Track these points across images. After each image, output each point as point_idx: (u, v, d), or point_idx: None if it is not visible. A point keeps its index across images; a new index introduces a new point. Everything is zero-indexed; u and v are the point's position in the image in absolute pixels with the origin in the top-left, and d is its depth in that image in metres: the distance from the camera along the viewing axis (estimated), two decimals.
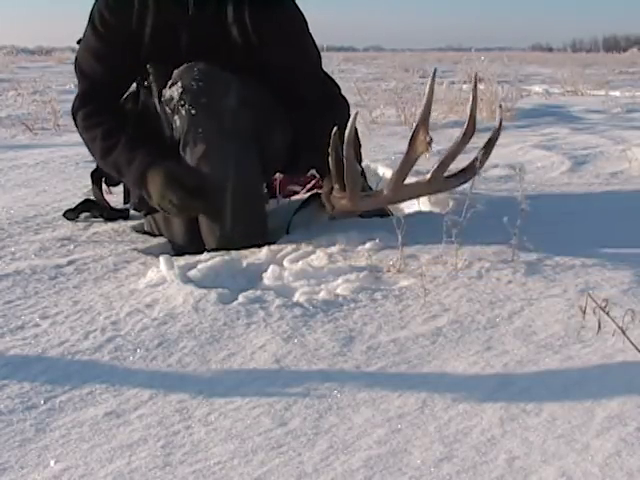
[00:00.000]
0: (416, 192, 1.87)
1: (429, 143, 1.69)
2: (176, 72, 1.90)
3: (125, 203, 2.30)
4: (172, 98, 1.89)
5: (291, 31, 2.06)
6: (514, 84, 5.75)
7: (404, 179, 1.78)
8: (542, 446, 1.03)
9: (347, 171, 1.73)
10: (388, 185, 1.80)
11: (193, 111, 1.86)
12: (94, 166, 2.32)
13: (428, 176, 1.78)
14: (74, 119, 2.09)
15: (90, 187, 2.40)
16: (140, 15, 2.01)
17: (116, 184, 2.32)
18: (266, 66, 2.02)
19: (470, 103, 1.76)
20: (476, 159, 1.79)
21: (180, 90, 1.87)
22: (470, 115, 1.75)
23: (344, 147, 1.69)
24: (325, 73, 2.19)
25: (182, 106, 1.87)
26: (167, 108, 1.93)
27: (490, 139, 1.80)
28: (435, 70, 1.67)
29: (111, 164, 2.01)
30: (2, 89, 7.77)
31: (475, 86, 1.75)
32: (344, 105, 2.15)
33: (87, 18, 2.06)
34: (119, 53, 2.03)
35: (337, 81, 2.25)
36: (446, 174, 1.80)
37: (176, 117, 1.90)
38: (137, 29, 2.02)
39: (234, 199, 1.87)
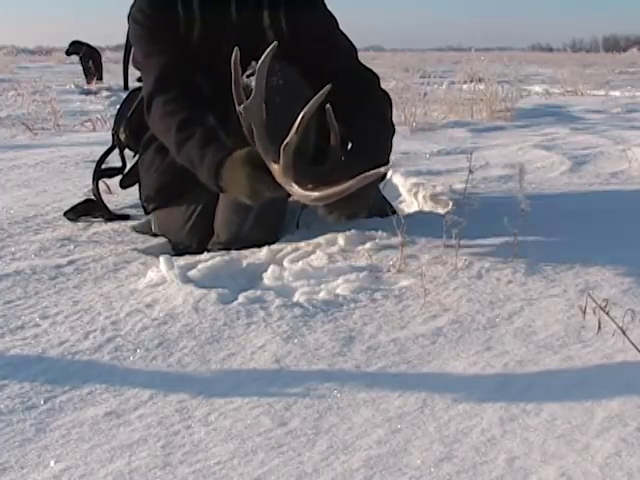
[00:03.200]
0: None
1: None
2: (257, 64, 1.90)
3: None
4: (247, 87, 1.89)
5: (321, 29, 2.04)
6: (514, 84, 5.75)
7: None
8: (542, 446, 1.03)
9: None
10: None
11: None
12: (95, 166, 2.32)
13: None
14: (148, 109, 1.97)
15: (89, 187, 2.40)
16: (187, 23, 1.99)
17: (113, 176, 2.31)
18: (298, 66, 2.00)
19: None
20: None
21: None
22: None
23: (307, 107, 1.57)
24: (362, 64, 2.13)
25: None
26: None
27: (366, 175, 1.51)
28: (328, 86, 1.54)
29: (185, 158, 1.87)
30: (2, 89, 7.77)
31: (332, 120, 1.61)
32: (380, 95, 2.06)
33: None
34: (172, 44, 1.98)
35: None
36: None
37: None
38: (185, 36, 1.99)
39: (264, 203, 1.81)
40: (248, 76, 1.90)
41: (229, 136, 1.85)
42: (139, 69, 2.08)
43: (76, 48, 10.63)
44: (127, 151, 2.34)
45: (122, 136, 2.26)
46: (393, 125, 2.05)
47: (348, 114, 1.84)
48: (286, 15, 2.02)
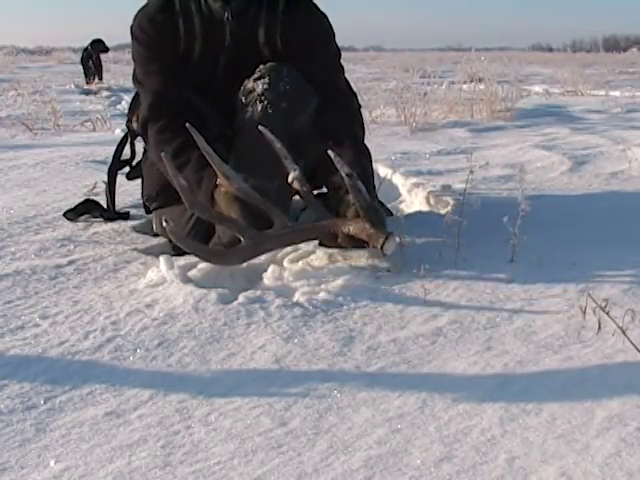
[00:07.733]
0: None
1: None
2: (264, 68, 1.90)
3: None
4: (253, 90, 1.88)
5: (313, 43, 2.02)
6: (514, 84, 5.75)
7: None
8: (542, 446, 1.03)
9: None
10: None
11: (270, 110, 1.86)
12: (95, 166, 2.32)
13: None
14: (144, 131, 2.02)
15: (90, 187, 2.40)
16: (188, 41, 1.99)
17: (136, 177, 2.31)
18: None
19: None
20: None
21: (266, 86, 1.87)
22: None
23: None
24: (347, 84, 2.14)
25: (261, 101, 1.86)
26: (243, 98, 1.91)
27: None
28: None
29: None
30: (2, 89, 7.79)
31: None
32: (354, 118, 2.09)
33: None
34: (170, 64, 2.00)
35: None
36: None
37: (249, 109, 1.89)
38: (185, 53, 2.00)
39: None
40: (255, 80, 1.90)
41: (227, 149, 1.87)
42: (137, 87, 2.09)
43: (97, 46, 11.00)
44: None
45: (134, 125, 2.28)
46: (367, 149, 2.05)
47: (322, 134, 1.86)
48: (281, 31, 2.00)
